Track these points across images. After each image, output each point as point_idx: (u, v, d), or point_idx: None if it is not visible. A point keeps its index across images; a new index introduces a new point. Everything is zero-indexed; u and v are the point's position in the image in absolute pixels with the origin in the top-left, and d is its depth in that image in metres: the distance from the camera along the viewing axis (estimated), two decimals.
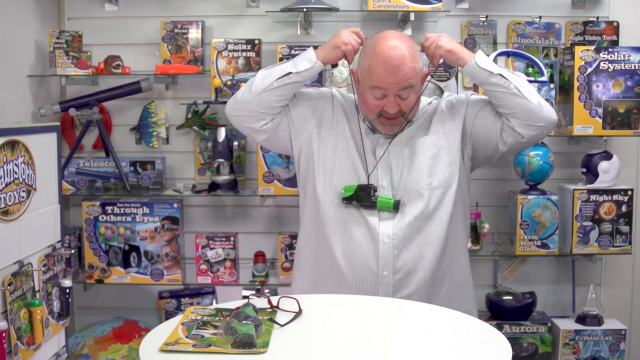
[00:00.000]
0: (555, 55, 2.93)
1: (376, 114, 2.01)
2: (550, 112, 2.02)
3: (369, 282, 1.95)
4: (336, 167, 2.04)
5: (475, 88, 2.74)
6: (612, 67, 2.67)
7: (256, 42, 2.86)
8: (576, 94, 2.67)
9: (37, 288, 1.96)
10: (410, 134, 2.06)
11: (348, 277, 1.97)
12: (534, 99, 1.98)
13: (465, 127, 2.06)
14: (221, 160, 2.81)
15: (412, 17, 2.74)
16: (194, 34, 2.91)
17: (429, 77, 2.11)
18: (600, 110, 2.68)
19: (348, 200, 1.99)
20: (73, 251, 2.75)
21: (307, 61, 2.02)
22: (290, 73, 2.02)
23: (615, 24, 2.90)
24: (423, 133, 2.07)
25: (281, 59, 2.81)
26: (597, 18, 2.91)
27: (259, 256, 2.92)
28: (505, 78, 1.97)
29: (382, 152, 2.03)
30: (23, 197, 1.90)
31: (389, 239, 1.95)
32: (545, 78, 2.71)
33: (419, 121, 2.09)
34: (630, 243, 2.77)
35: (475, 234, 2.78)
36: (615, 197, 2.74)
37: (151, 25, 2.94)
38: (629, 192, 2.75)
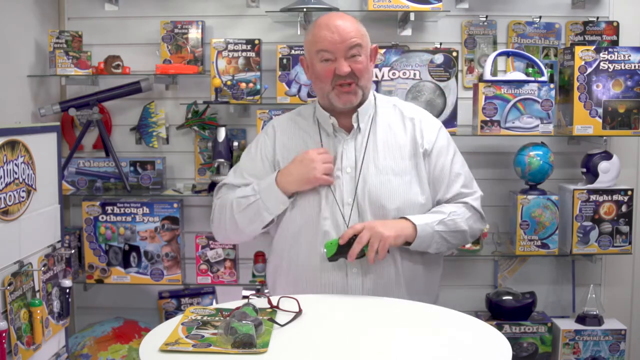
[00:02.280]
0: (555, 55, 2.93)
1: (330, 83, 1.95)
2: (478, 231, 2.08)
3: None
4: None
5: (475, 88, 2.75)
6: (612, 67, 2.67)
7: (256, 42, 2.86)
8: (576, 94, 2.67)
9: (37, 288, 1.96)
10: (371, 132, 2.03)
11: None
12: (473, 230, 2.03)
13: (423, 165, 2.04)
14: (221, 160, 2.81)
15: (412, 17, 2.74)
16: (194, 34, 2.91)
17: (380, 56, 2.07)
18: (600, 110, 2.68)
19: (333, 258, 1.89)
20: (73, 251, 2.75)
21: (282, 204, 1.95)
22: (269, 220, 1.98)
23: (615, 24, 2.90)
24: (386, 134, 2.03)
25: (281, 59, 2.81)
26: (597, 18, 2.91)
27: (259, 256, 2.92)
28: (445, 224, 1.95)
29: (342, 147, 2.00)
30: (23, 197, 1.90)
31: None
32: (545, 78, 2.71)
33: (380, 119, 2.05)
34: (630, 243, 2.77)
35: None
36: (615, 197, 2.74)
37: (151, 25, 2.94)
38: (629, 192, 2.75)
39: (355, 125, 2.00)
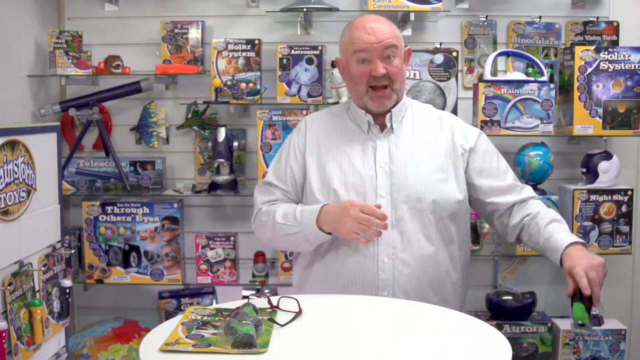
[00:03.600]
0: (555, 55, 2.93)
1: (365, 85, 1.99)
2: None
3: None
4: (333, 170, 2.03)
5: (475, 88, 2.75)
6: (612, 67, 2.67)
7: (256, 42, 2.86)
8: (576, 94, 2.67)
9: (37, 288, 1.96)
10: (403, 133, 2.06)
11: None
12: None
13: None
14: (221, 160, 2.81)
15: (412, 17, 2.74)
16: (194, 34, 2.91)
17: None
18: (600, 110, 2.68)
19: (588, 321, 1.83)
20: (73, 251, 2.75)
21: (323, 239, 1.96)
22: (310, 249, 2.02)
23: (615, 24, 2.90)
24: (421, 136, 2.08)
25: (281, 59, 2.81)
26: (597, 18, 2.91)
27: (259, 256, 2.93)
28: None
29: (375, 143, 2.03)
30: (23, 197, 1.90)
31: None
32: (545, 78, 2.71)
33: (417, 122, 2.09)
34: (630, 243, 2.76)
35: (475, 234, 2.78)
36: (615, 197, 2.74)
37: (151, 25, 2.94)
38: (629, 192, 2.75)
39: (388, 124, 2.04)
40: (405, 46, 2.06)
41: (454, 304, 2.01)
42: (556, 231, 1.94)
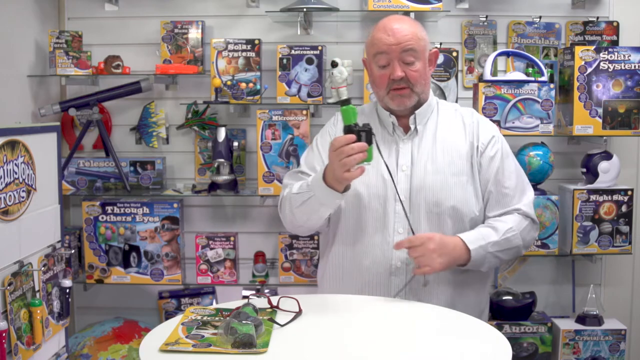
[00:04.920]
0: (555, 55, 2.93)
1: (386, 88, 1.99)
2: (532, 241, 2.09)
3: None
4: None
5: (475, 88, 2.75)
6: (612, 67, 2.67)
7: (256, 42, 2.86)
8: (576, 94, 2.67)
9: (37, 288, 1.96)
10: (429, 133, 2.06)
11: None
12: (527, 242, 2.04)
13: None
14: (221, 160, 2.81)
15: (412, 17, 2.73)
16: (194, 34, 2.91)
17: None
18: (600, 110, 2.68)
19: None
20: (73, 251, 2.75)
21: (337, 198, 1.90)
22: (328, 213, 1.99)
23: (615, 24, 2.90)
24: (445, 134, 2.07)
25: (281, 59, 2.81)
26: (597, 18, 2.91)
27: (259, 256, 2.93)
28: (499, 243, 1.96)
29: (399, 146, 2.03)
30: (23, 197, 1.90)
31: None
32: (545, 78, 2.71)
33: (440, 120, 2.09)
34: (630, 243, 2.76)
35: None
36: (615, 197, 2.74)
37: (151, 25, 2.94)
38: (629, 192, 2.75)
39: (412, 126, 2.04)
40: (432, 49, 2.05)
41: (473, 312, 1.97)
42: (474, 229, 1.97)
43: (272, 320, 1.60)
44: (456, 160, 2.02)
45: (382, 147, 2.00)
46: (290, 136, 2.78)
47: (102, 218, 2.83)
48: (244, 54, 2.86)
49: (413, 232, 1.93)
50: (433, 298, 1.95)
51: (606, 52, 2.66)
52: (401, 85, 1.97)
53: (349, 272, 2.02)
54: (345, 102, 1.83)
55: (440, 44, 2.84)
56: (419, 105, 2.04)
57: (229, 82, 2.85)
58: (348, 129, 1.80)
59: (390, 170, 1.94)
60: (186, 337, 1.50)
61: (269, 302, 1.73)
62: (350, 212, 2.02)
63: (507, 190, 2.03)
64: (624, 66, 2.67)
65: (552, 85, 2.69)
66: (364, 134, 1.79)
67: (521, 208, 2.03)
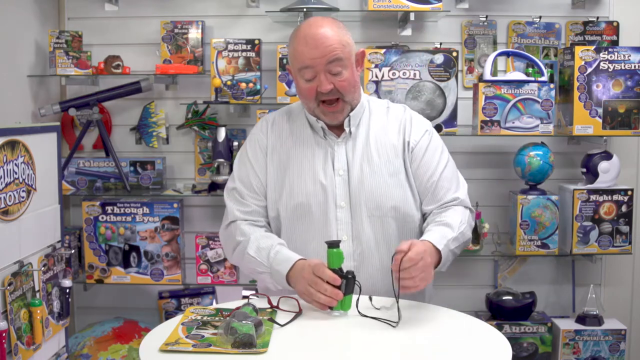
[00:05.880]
0: (555, 55, 2.93)
1: (315, 100, 1.89)
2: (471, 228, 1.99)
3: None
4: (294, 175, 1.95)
5: (475, 88, 2.75)
6: (612, 67, 2.67)
7: (256, 42, 2.86)
8: (576, 94, 2.67)
9: (37, 288, 1.96)
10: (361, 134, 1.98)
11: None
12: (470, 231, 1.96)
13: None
14: (221, 160, 2.81)
15: (412, 17, 2.74)
16: (194, 34, 2.91)
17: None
18: (600, 110, 2.68)
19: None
20: (73, 251, 2.75)
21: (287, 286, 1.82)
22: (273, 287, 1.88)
23: (615, 24, 2.90)
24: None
25: (281, 59, 2.81)
26: (597, 18, 2.91)
27: None
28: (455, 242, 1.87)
29: (333, 150, 1.95)
30: (23, 197, 1.90)
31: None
32: (545, 78, 2.71)
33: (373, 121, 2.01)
34: (630, 243, 2.76)
35: (475, 234, 2.78)
36: (615, 197, 2.74)
37: (151, 25, 2.94)
38: (629, 192, 2.75)
39: (347, 129, 1.96)
40: (358, 49, 1.94)
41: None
42: (430, 229, 1.86)
43: (272, 320, 1.60)
44: (392, 159, 1.95)
45: (317, 152, 1.94)
46: None
47: (102, 218, 2.83)
48: (244, 54, 2.86)
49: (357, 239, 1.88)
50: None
51: (606, 52, 2.66)
52: (330, 97, 1.88)
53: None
54: (335, 244, 1.71)
55: (440, 44, 2.84)
56: (351, 108, 1.96)
57: (229, 82, 2.85)
58: (332, 271, 1.69)
59: (327, 175, 1.90)
60: (186, 337, 1.50)
61: (269, 302, 1.73)
62: (292, 224, 1.94)
63: (442, 183, 1.95)
64: (624, 66, 2.67)
65: (552, 85, 2.69)
66: (344, 281, 1.67)
67: (459, 197, 1.96)
